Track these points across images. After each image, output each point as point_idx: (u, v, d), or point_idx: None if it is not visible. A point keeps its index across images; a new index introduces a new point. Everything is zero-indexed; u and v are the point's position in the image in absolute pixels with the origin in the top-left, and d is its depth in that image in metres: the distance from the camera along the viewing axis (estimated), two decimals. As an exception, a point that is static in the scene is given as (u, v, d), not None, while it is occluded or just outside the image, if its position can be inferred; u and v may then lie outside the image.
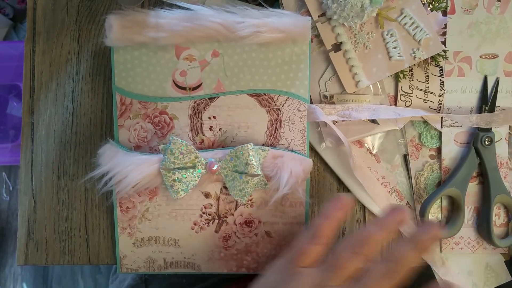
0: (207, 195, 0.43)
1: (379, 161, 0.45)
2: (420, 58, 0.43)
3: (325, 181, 0.45)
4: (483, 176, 0.44)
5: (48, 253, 0.46)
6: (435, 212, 0.45)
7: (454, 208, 0.44)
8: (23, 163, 0.46)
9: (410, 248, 0.31)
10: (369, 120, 0.44)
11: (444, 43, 0.44)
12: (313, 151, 0.45)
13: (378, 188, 0.44)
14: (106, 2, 0.46)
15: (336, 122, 0.44)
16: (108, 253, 0.45)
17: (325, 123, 0.43)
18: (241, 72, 0.42)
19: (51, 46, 0.46)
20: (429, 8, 0.44)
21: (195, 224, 0.44)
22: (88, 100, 0.46)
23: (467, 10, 0.44)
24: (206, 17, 0.40)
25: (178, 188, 0.41)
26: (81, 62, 0.46)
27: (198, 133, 0.43)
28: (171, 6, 0.42)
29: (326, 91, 0.44)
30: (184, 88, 0.42)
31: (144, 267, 0.44)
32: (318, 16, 0.43)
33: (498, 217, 0.45)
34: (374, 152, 0.45)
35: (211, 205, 0.43)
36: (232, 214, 0.43)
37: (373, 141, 0.45)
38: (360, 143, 0.45)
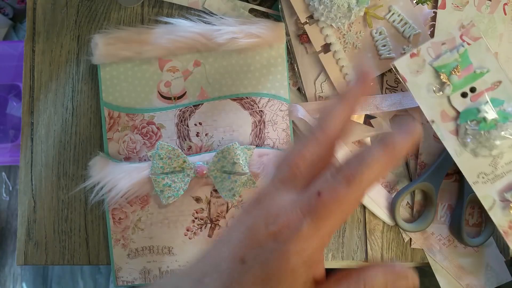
0: (197, 199, 0.44)
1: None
2: None
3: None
4: (459, 174, 0.44)
5: (47, 253, 0.46)
6: (407, 207, 0.45)
7: (427, 203, 0.44)
8: (23, 163, 0.46)
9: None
10: (363, 122, 0.44)
11: (431, 36, 0.44)
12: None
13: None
14: (106, 2, 0.46)
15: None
16: (108, 253, 0.45)
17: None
18: (223, 79, 0.44)
19: (51, 46, 0.46)
20: (414, 1, 0.44)
21: (188, 230, 0.44)
22: (88, 100, 0.46)
23: (458, 6, 0.44)
24: (186, 28, 0.43)
25: (168, 193, 0.42)
26: (81, 62, 0.46)
27: (185, 140, 0.44)
28: (156, 22, 0.45)
29: (322, 92, 0.44)
30: (169, 98, 0.44)
31: (140, 278, 0.44)
32: (306, 18, 0.43)
33: (472, 216, 0.45)
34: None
35: (203, 210, 0.44)
36: (224, 217, 0.44)
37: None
38: (360, 143, 0.45)
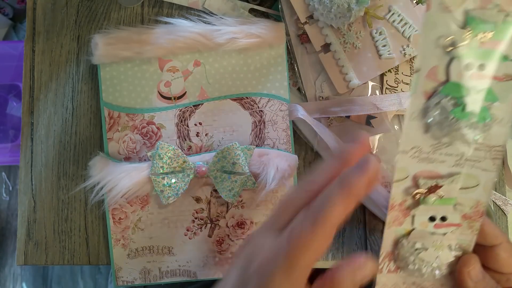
0: (198, 199, 0.44)
1: (379, 161, 0.45)
2: (410, 54, 0.43)
3: (325, 181, 0.45)
4: None
5: (47, 253, 0.46)
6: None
7: None
8: (23, 163, 0.46)
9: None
10: (365, 123, 0.44)
11: None
12: (314, 151, 0.45)
13: None
14: (106, 2, 0.46)
15: (331, 124, 0.44)
16: (108, 253, 0.45)
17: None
18: (223, 79, 0.44)
19: (51, 46, 0.46)
20: (414, 1, 0.44)
21: (188, 230, 0.44)
22: (88, 100, 0.46)
23: None
24: (186, 28, 0.43)
25: (168, 193, 0.42)
26: (81, 62, 0.46)
27: (185, 140, 0.44)
28: (156, 22, 0.45)
29: (322, 92, 0.44)
30: (169, 98, 0.44)
31: (140, 278, 0.44)
32: (306, 18, 0.43)
33: None
34: (374, 152, 0.45)
35: (203, 210, 0.44)
36: (224, 217, 0.44)
37: (373, 141, 0.45)
38: (360, 143, 0.45)
